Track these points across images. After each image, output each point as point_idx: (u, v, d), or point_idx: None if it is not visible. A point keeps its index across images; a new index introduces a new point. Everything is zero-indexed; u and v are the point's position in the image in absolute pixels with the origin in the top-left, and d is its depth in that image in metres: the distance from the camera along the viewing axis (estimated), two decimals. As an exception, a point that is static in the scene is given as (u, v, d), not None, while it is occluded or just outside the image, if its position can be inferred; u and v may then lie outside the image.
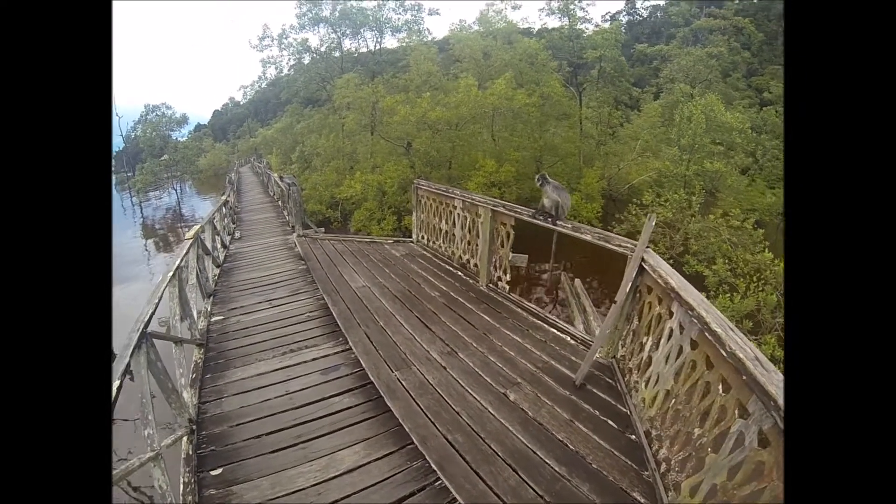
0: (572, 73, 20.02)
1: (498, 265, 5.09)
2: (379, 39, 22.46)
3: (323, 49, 21.18)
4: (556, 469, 2.51)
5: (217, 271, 6.78)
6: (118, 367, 2.24)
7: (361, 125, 15.93)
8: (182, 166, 30.75)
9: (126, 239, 19.71)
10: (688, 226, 12.60)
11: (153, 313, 2.97)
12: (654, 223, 3.03)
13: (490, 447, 2.69)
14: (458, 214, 5.78)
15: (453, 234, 6.02)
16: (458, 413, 3.02)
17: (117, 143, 35.77)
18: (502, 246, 4.94)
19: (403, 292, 5.20)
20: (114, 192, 41.88)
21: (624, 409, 2.97)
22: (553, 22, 19.88)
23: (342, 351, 4.11)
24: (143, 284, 12.30)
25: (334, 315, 4.64)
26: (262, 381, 3.69)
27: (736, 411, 1.83)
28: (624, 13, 43.10)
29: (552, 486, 2.39)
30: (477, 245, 5.48)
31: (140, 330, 2.64)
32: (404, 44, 21.70)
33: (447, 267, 5.98)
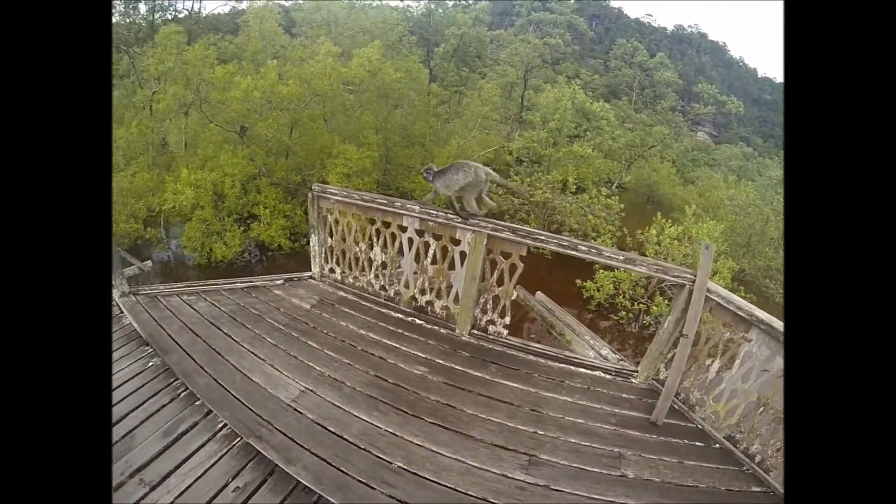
0: (426, 49, 18.79)
1: (491, 307, 3.68)
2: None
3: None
4: None
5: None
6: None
7: (185, 103, 11.79)
8: None
9: None
10: (562, 204, 12.69)
11: None
12: (713, 253, 2.97)
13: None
14: (410, 239, 3.78)
15: (399, 268, 3.97)
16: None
17: None
18: (499, 284, 3.58)
19: (376, 384, 3.10)
20: None
21: (692, 425, 3.04)
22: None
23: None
24: None
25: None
26: None
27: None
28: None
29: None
30: (450, 282, 3.74)
31: None
32: (234, 3, 17.46)
33: (394, 315, 3.91)
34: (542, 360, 3.53)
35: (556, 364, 3.50)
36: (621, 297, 11.10)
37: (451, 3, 21.23)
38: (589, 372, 3.47)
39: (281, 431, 2.66)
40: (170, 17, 17.92)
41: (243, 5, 17.89)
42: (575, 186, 12.85)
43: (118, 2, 15.97)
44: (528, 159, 15.10)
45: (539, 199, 12.11)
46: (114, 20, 16.28)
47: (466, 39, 18.52)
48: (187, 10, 18.54)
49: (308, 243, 11.44)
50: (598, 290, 11.09)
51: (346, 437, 2.63)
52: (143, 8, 16.92)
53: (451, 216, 3.52)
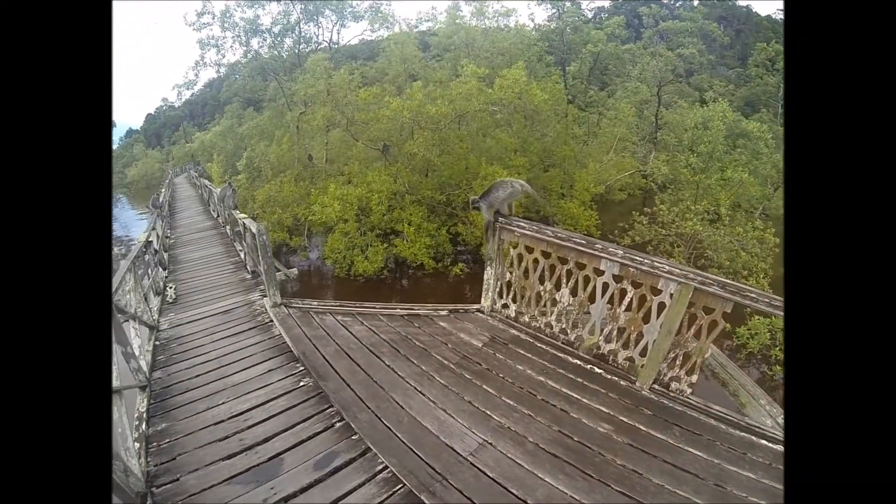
0: (561, 68, 18.42)
1: (679, 363, 3.36)
2: (340, 24, 19.30)
3: (276, 31, 17.53)
4: None
5: (143, 405, 3.36)
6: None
7: (332, 123, 12.77)
8: (105, 179, 26.21)
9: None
10: (712, 238, 11.35)
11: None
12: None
13: None
14: (605, 284, 3.48)
15: (587, 312, 3.69)
16: None
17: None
18: (696, 338, 3.26)
19: (560, 441, 2.83)
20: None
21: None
22: (540, 13, 18.69)
23: None
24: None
25: None
26: None
27: None
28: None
29: None
30: (641, 332, 3.40)
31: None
32: (368, 34, 18.92)
33: (572, 361, 3.64)
34: (723, 427, 3.17)
35: (738, 433, 3.14)
36: (777, 349, 9.57)
37: (571, 20, 20.72)
38: (770, 445, 3.05)
39: (457, 489, 2.46)
40: (311, 48, 19.79)
41: (374, 35, 19.31)
42: (728, 217, 11.45)
43: (267, 36, 18.03)
44: (671, 185, 13.79)
45: (688, 231, 10.91)
46: (263, 52, 18.45)
47: (602, 56, 17.87)
48: (326, 41, 20.31)
49: (451, 264, 11.42)
50: (752, 338, 9.69)
51: (529, 502, 2.38)
52: (288, 41, 18.84)
53: (649, 260, 3.32)
